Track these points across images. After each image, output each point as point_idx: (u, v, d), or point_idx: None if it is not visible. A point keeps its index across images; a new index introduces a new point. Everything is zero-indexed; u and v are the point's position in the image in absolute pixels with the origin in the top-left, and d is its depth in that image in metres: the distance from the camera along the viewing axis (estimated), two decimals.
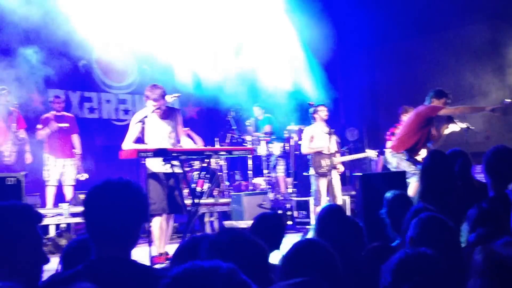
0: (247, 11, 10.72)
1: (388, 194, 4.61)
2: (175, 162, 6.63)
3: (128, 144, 6.54)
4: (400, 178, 6.48)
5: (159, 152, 6.56)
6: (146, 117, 6.55)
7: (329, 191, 8.57)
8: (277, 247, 3.87)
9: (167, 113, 6.85)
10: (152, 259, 6.07)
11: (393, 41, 11.87)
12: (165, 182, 6.69)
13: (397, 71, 11.65)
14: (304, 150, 8.88)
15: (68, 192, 9.01)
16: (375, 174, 8.06)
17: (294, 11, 11.05)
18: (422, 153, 7.49)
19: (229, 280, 1.36)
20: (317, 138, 8.71)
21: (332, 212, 4.00)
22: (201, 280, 1.34)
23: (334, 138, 8.76)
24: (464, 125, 8.35)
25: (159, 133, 6.73)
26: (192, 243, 2.73)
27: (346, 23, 11.68)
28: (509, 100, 8.54)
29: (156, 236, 6.39)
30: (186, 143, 7.00)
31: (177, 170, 6.70)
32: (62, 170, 8.94)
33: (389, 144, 8.69)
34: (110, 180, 2.91)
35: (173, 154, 6.59)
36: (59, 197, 8.92)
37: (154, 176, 6.53)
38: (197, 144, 9.26)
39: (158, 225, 6.42)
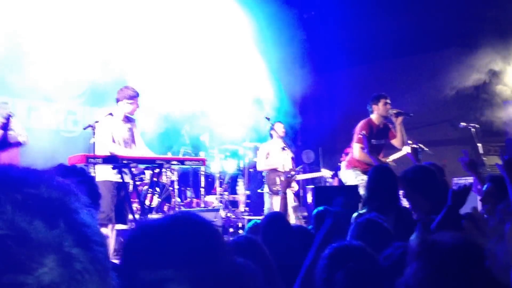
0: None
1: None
2: (125, 170, 6.47)
3: (110, 148, 6.42)
4: (352, 191, 6.49)
5: (109, 159, 6.38)
6: (97, 122, 6.40)
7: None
8: None
9: (126, 120, 6.80)
10: None
11: (352, 65, 12.02)
12: (114, 192, 6.50)
13: (356, 94, 11.76)
14: (260, 167, 8.78)
15: None
16: (328, 187, 8.06)
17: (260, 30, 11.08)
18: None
19: None
20: (273, 155, 8.62)
21: (275, 219, 4.00)
22: None
23: (290, 155, 8.69)
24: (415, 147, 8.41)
25: (120, 137, 6.62)
26: None
27: (309, 47, 11.78)
28: (464, 124, 8.71)
29: None
30: (141, 152, 6.85)
31: (127, 179, 6.53)
32: None
33: (342, 164, 8.80)
34: (63, 165, 2.79)
35: (123, 162, 6.44)
36: None
37: (104, 184, 6.28)
38: None
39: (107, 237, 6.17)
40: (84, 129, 6.55)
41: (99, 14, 9.38)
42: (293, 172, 8.69)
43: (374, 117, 7.64)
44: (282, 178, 8.44)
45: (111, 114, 6.66)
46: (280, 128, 8.65)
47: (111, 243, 6.42)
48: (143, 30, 9.73)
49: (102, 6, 9.48)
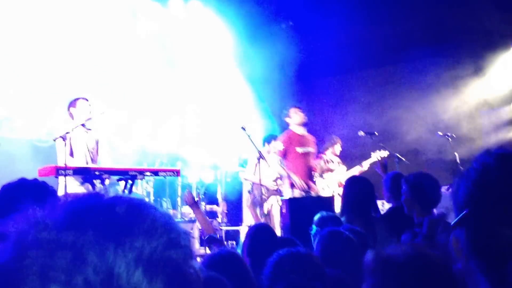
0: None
1: (318, 215, 4.58)
2: (96, 182, 6.38)
3: (68, 162, 6.24)
4: (326, 202, 6.47)
5: (80, 171, 6.27)
6: (68, 133, 6.26)
7: (269, 219, 8.29)
8: None
9: (88, 129, 6.78)
10: None
11: (331, 74, 12.03)
12: None
13: (335, 103, 11.80)
14: (249, 177, 8.63)
15: None
16: (302, 198, 7.97)
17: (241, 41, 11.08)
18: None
19: None
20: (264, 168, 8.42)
21: (261, 230, 3.91)
22: None
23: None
24: (385, 154, 8.45)
25: (82, 147, 6.50)
26: None
27: (287, 58, 11.78)
28: (441, 133, 8.73)
29: None
30: (107, 162, 6.78)
31: (98, 189, 6.43)
32: None
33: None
34: (24, 180, 2.75)
35: (95, 173, 6.33)
36: None
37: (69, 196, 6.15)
38: None
39: None
40: (54, 140, 6.40)
41: (76, 29, 9.34)
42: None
43: (292, 127, 7.92)
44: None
45: (83, 125, 6.61)
46: (273, 147, 8.56)
47: None
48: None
49: (81, 23, 9.44)
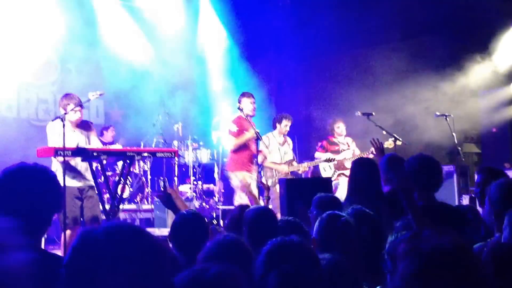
0: None
1: (317, 197, 4.54)
2: (89, 177, 6.48)
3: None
4: (324, 183, 6.49)
5: (78, 152, 6.25)
6: (66, 113, 6.28)
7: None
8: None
9: (80, 125, 6.69)
10: None
11: (329, 53, 11.97)
12: (78, 194, 6.49)
13: (332, 81, 11.76)
14: (260, 160, 8.58)
15: None
16: (299, 179, 7.95)
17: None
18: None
19: None
20: (273, 149, 8.36)
21: (261, 214, 3.85)
22: None
23: (290, 146, 8.54)
24: (391, 143, 8.43)
25: (71, 143, 6.39)
26: None
27: (285, 35, 11.70)
28: (439, 113, 8.71)
29: None
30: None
31: (90, 183, 6.56)
32: None
33: (317, 155, 8.81)
34: (24, 164, 2.77)
35: (93, 154, 6.34)
36: None
37: (66, 189, 6.14)
38: None
39: (72, 238, 6.08)
40: (53, 121, 6.37)
41: None
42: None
43: (241, 113, 7.81)
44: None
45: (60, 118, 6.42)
46: (287, 126, 8.43)
47: None
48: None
49: None
